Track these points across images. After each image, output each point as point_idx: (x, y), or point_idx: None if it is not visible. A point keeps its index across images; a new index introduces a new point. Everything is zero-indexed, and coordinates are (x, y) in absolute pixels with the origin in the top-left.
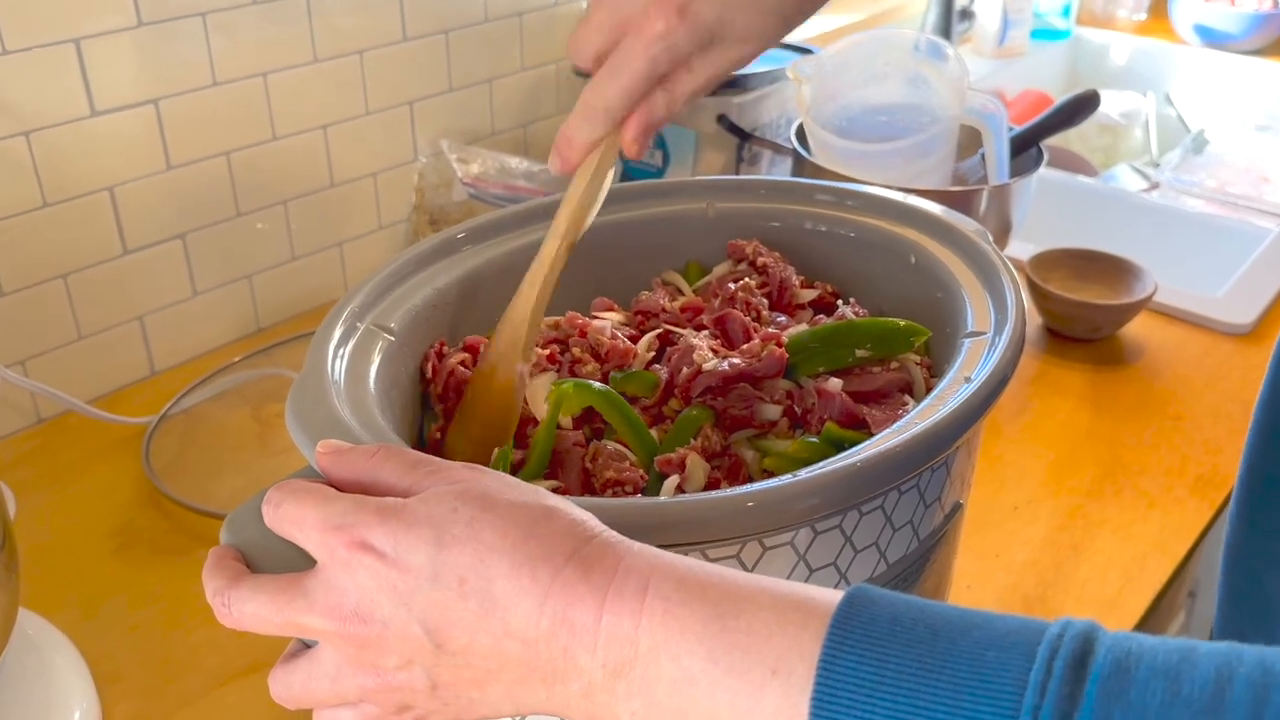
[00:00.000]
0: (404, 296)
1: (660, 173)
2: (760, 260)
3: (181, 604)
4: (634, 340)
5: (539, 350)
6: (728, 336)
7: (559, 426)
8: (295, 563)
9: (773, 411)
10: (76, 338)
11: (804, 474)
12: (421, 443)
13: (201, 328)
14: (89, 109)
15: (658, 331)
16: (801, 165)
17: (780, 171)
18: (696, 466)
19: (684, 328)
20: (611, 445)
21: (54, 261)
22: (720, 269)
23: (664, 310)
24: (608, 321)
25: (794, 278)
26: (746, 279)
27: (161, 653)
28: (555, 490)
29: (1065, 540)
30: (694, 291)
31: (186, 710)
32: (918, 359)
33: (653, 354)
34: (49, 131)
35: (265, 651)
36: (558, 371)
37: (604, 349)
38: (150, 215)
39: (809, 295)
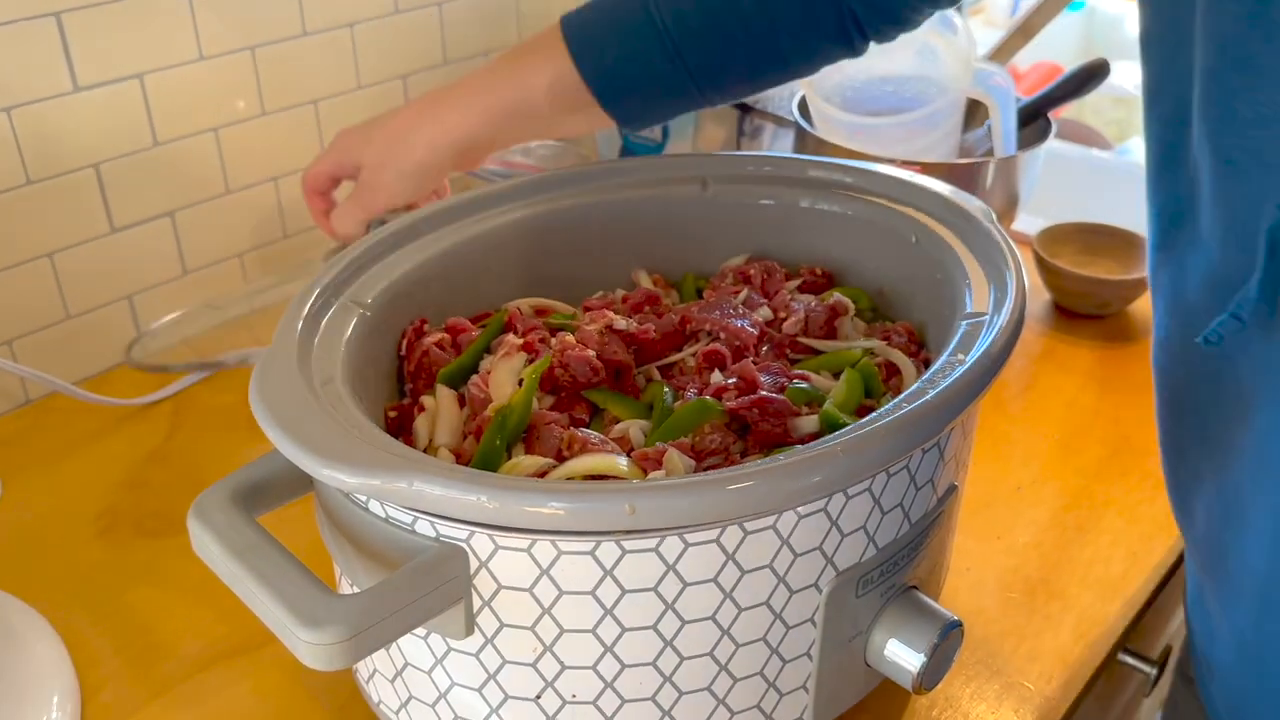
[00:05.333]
0: (383, 272)
1: (659, 147)
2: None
3: (165, 588)
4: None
5: (513, 339)
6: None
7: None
8: None
9: (810, 424)
10: (64, 317)
11: (783, 458)
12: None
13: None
14: (71, 84)
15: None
16: (804, 139)
17: (783, 145)
18: (676, 463)
19: (644, 340)
20: (594, 434)
21: (40, 240)
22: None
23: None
24: (593, 328)
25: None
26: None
27: (144, 637)
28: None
29: (1070, 521)
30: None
31: (168, 695)
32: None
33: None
34: (31, 107)
35: (248, 636)
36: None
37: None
38: (138, 192)
39: (793, 284)
